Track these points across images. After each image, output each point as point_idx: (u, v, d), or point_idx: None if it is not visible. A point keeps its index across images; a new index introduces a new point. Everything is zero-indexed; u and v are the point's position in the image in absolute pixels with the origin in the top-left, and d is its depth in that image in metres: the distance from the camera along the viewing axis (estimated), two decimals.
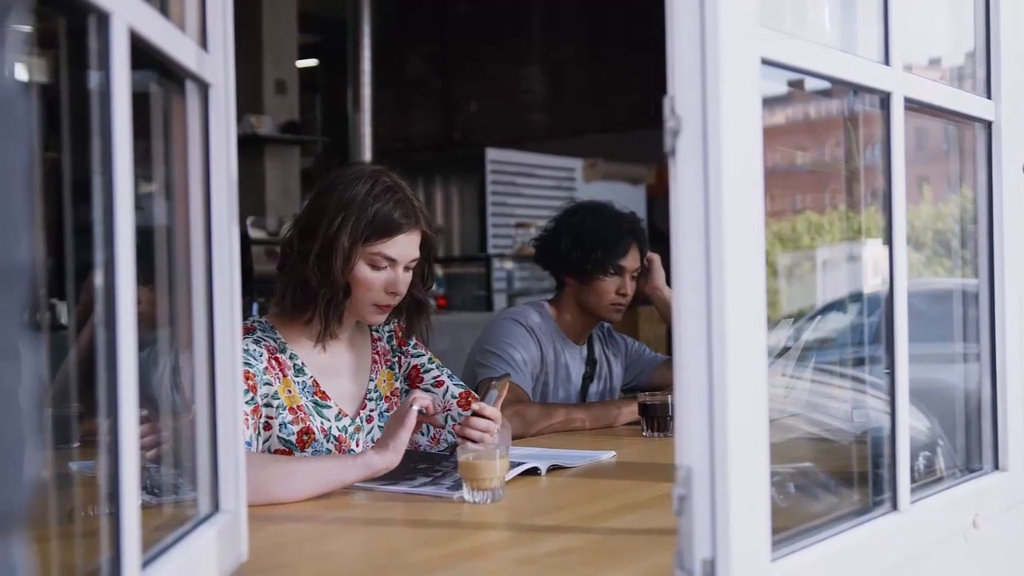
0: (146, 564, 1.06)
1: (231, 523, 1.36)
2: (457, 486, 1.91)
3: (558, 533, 1.68)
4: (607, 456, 2.34)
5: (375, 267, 2.16)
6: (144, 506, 1.04)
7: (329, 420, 2.21)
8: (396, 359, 2.38)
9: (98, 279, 0.97)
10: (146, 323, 1.15)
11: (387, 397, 2.34)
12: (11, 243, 0.54)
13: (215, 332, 1.35)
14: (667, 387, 2.91)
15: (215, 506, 1.36)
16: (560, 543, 1.62)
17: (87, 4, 0.93)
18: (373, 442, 2.24)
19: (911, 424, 1.57)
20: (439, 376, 2.38)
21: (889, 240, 1.51)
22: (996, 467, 1.80)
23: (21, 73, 0.59)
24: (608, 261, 2.95)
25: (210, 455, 1.35)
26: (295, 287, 2.18)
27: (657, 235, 3.14)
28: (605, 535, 1.67)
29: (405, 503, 1.91)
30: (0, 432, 0.53)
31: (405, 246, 2.18)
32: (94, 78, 0.97)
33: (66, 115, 1.04)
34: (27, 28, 0.63)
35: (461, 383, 2.40)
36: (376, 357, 2.35)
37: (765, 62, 1.23)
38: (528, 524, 1.77)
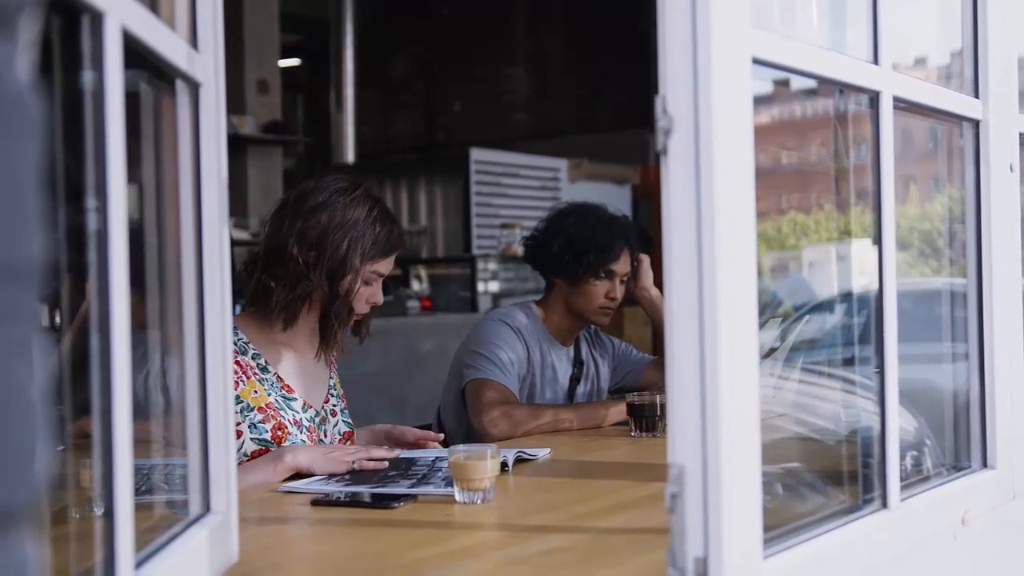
0: (138, 565, 1.06)
1: (222, 524, 1.36)
2: (450, 482, 1.90)
3: (549, 533, 1.68)
4: (543, 453, 2.34)
5: (368, 283, 2.28)
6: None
7: (298, 412, 2.28)
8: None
9: (91, 281, 0.96)
10: (134, 325, 1.14)
11: (343, 396, 2.45)
12: (24, 239, 0.54)
13: (206, 333, 1.35)
14: (654, 388, 2.91)
15: (206, 507, 1.35)
16: (552, 543, 1.62)
17: (81, 3, 0.92)
18: (340, 435, 2.38)
19: (898, 423, 1.58)
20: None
21: (878, 239, 1.52)
22: (984, 465, 1.81)
23: (34, 71, 0.59)
24: (599, 265, 2.93)
25: (201, 456, 1.35)
26: (301, 299, 2.24)
27: (644, 236, 3.14)
28: (596, 535, 1.67)
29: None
30: (13, 430, 0.53)
31: (392, 263, 2.33)
32: (86, 77, 0.97)
33: (57, 115, 1.03)
34: (36, 27, 0.63)
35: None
36: (333, 359, 2.44)
37: (756, 61, 1.23)
38: (519, 524, 1.76)
